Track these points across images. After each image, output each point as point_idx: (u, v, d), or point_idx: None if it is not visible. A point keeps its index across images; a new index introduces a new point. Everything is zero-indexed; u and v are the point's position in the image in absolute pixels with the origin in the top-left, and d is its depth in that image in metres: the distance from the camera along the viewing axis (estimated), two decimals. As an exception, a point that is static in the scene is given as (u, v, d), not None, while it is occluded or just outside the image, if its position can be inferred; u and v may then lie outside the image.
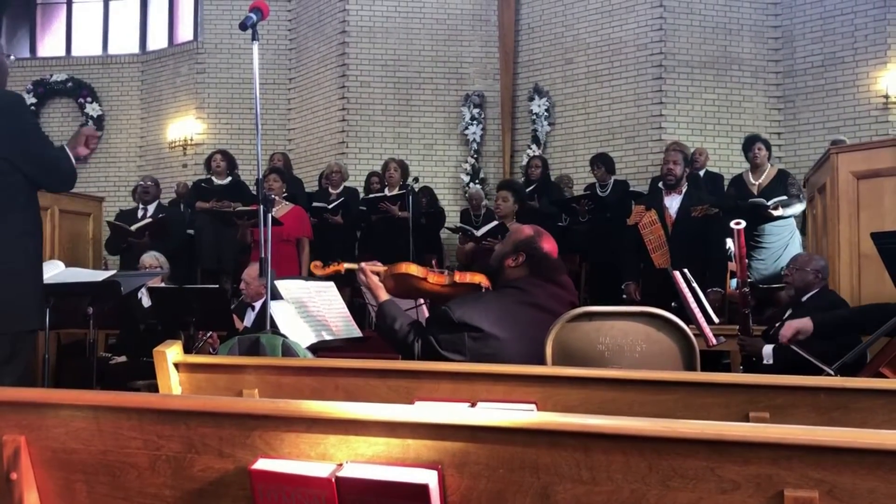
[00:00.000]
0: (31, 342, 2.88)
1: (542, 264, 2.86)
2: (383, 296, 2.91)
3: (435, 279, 2.98)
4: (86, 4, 11.73)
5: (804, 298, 4.02)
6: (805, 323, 3.35)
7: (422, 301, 3.53)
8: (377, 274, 2.98)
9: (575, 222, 7.06)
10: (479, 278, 2.99)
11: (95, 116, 11.05)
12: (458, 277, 2.99)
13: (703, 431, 1.19)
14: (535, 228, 3.00)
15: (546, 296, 2.81)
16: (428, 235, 7.50)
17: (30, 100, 10.98)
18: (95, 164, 11.10)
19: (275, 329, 2.99)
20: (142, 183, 6.97)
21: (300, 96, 10.21)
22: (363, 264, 3.01)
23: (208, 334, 4.60)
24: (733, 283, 5.62)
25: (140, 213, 6.75)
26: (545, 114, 9.04)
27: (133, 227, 6.42)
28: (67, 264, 3.98)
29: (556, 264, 2.91)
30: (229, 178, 7.07)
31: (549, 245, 2.91)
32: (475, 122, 9.32)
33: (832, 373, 3.01)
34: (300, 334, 3.20)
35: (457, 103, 9.43)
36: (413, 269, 2.97)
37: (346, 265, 3.10)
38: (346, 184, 7.72)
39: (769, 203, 5.67)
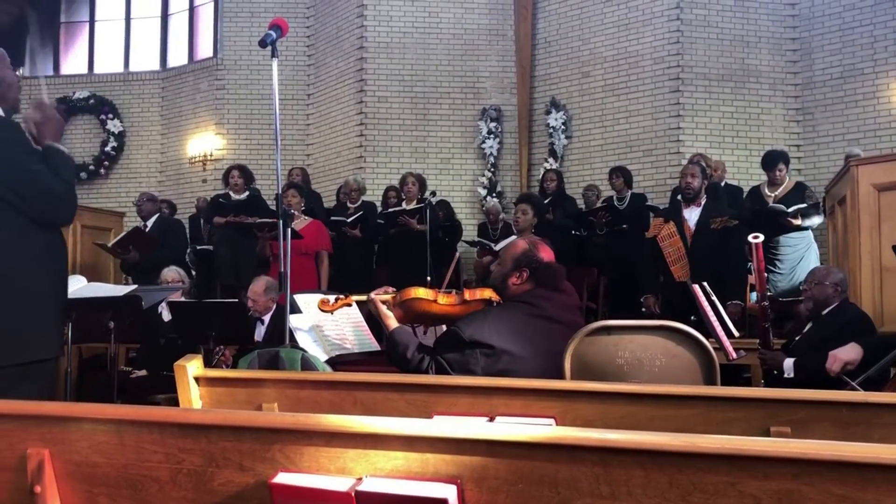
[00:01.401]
0: (45, 372, 2.68)
1: (546, 275, 2.85)
2: (392, 324, 2.87)
3: (445, 300, 2.94)
4: (108, 23, 11.91)
5: (824, 312, 3.98)
6: (854, 353, 3.23)
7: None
8: (385, 303, 2.93)
9: (593, 235, 7.05)
10: (489, 293, 2.96)
11: (117, 132, 11.19)
12: (467, 295, 2.95)
13: (724, 446, 1.19)
14: (528, 240, 2.99)
15: (554, 306, 2.81)
16: (445, 249, 7.51)
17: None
18: (116, 180, 11.25)
19: (294, 343, 3.00)
20: (136, 200, 7.05)
21: (318, 111, 10.28)
22: (372, 294, 2.96)
23: (221, 351, 4.63)
24: (753, 296, 5.59)
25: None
26: (562, 127, 9.05)
27: (109, 244, 6.47)
28: (89, 279, 4.02)
29: (557, 271, 2.90)
30: (246, 193, 7.12)
31: (546, 254, 2.90)
32: (492, 135, 9.35)
33: (856, 387, 2.98)
34: (318, 347, 3.21)
35: (474, 117, 9.47)
36: (421, 292, 2.92)
37: (355, 297, 3.05)
38: (364, 198, 7.76)
39: (789, 210, 5.63)
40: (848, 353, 3.25)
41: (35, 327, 2.59)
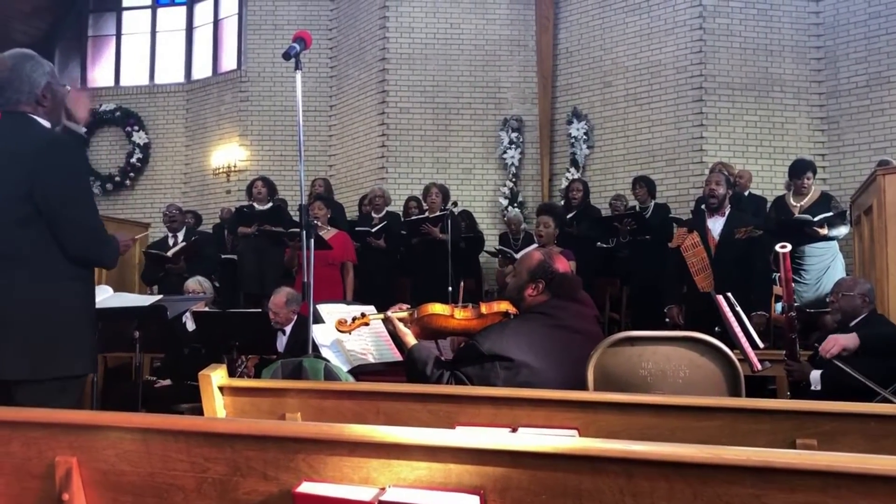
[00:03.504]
0: (80, 387, 2.71)
1: (562, 285, 2.85)
2: (410, 341, 2.87)
3: (462, 314, 2.94)
4: (134, 36, 12.09)
5: (852, 324, 3.93)
6: (850, 340, 3.34)
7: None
8: (402, 320, 2.94)
9: (617, 243, 7.02)
10: (506, 305, 2.96)
11: (142, 144, 11.33)
12: (484, 308, 2.96)
13: (749, 458, 1.18)
14: (543, 251, 3.01)
15: (571, 316, 2.80)
16: (467, 259, 7.50)
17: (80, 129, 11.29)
18: (141, 192, 11.39)
19: (317, 353, 3.01)
20: (167, 212, 7.12)
21: (341, 123, 10.35)
22: (388, 313, 2.97)
23: (243, 364, 4.67)
24: (778, 306, 5.53)
25: (171, 241, 6.88)
26: (584, 137, 9.03)
27: (169, 253, 6.55)
28: (115, 289, 4.07)
29: (574, 282, 2.91)
30: (270, 204, 7.18)
31: (562, 265, 2.90)
32: (513, 146, 9.35)
33: (891, 397, 2.95)
34: (341, 357, 3.22)
35: (495, 128, 9.48)
36: (438, 308, 2.93)
37: (372, 316, 3.04)
38: (387, 208, 7.78)
39: (815, 219, 5.57)
40: (847, 340, 3.39)
41: (72, 342, 2.61)
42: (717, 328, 3.91)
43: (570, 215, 7.28)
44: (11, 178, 2.57)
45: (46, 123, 2.73)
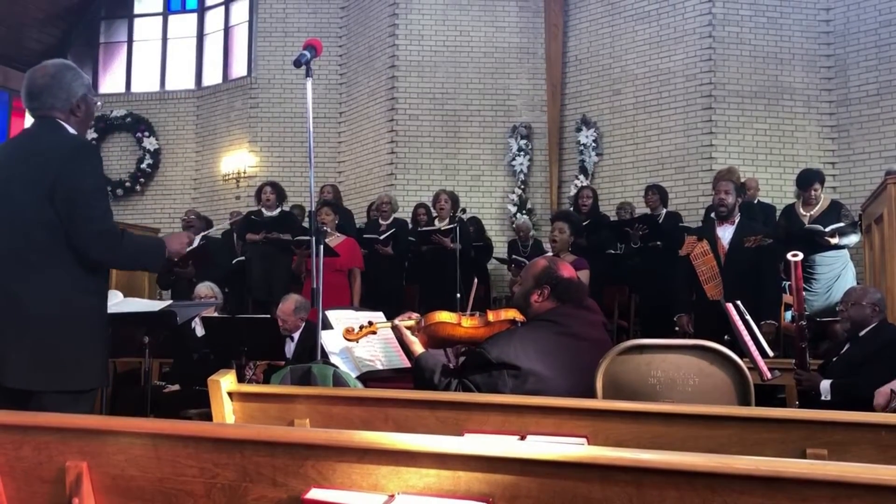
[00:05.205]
0: (92, 399, 2.71)
1: (568, 291, 2.84)
2: (418, 350, 2.87)
3: (469, 323, 2.94)
4: (145, 43, 12.16)
5: (862, 333, 3.91)
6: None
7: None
8: (410, 328, 2.94)
9: (627, 250, 7.00)
10: (513, 313, 2.95)
11: (152, 150, 11.39)
12: (491, 316, 2.95)
13: (759, 468, 1.17)
14: (548, 258, 3.02)
15: (579, 323, 2.79)
16: (475, 267, 7.49)
17: (91, 134, 11.37)
18: (151, 197, 11.44)
19: (325, 359, 3.01)
20: (185, 217, 7.15)
21: (350, 129, 10.38)
22: (395, 321, 2.97)
23: (252, 373, 4.67)
24: (787, 315, 5.50)
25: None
26: (593, 144, 9.02)
27: (176, 258, 6.57)
28: (125, 294, 4.08)
29: (580, 287, 2.90)
30: (279, 210, 7.20)
31: (567, 271, 2.90)
32: (522, 153, 9.35)
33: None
34: (349, 364, 3.23)
35: (504, 135, 9.48)
36: (445, 316, 2.93)
37: (379, 325, 3.04)
38: (395, 215, 7.79)
39: (826, 230, 5.55)
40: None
41: (85, 357, 2.62)
42: (726, 337, 3.90)
43: (584, 222, 7.26)
44: (35, 180, 2.59)
45: (73, 131, 2.75)
